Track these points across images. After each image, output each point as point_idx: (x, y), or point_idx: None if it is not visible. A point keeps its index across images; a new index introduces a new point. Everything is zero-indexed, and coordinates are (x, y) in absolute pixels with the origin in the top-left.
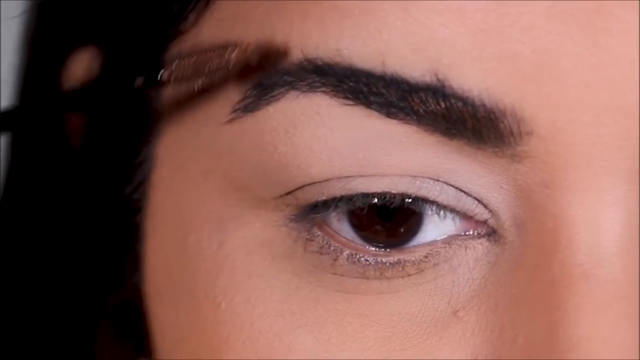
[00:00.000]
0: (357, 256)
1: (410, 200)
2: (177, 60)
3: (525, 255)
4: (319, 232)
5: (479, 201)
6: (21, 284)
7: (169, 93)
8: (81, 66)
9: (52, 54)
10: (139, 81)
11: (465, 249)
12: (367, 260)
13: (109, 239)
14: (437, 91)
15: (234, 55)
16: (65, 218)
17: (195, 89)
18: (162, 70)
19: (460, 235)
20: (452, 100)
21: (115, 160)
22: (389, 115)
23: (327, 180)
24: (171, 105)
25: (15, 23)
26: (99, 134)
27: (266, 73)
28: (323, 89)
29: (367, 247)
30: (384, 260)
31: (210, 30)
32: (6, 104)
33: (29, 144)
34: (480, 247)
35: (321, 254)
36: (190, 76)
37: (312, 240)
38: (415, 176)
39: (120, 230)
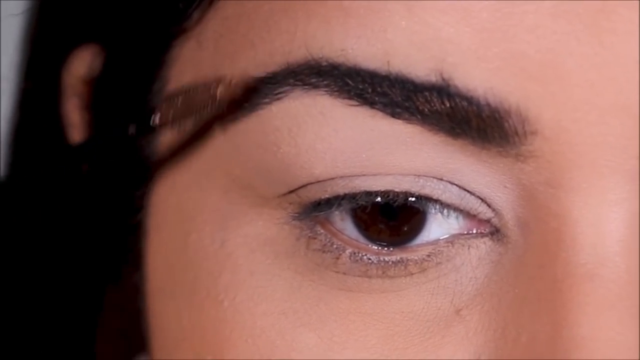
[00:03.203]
0: (360, 254)
1: (413, 198)
2: (164, 102)
3: (529, 255)
4: (322, 230)
5: (482, 200)
6: (22, 281)
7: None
8: (83, 64)
9: (54, 51)
10: (132, 129)
11: (469, 248)
12: (369, 259)
13: (111, 236)
14: (442, 91)
15: (219, 91)
16: (67, 216)
17: (187, 128)
18: (153, 115)
19: (464, 234)
20: (457, 100)
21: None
22: (393, 115)
23: (330, 179)
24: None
25: (17, 20)
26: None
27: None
28: (327, 89)
29: (370, 245)
30: (386, 259)
31: (214, 29)
32: (6, 101)
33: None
34: (483, 246)
35: (324, 252)
36: (180, 116)
37: (315, 239)
38: (418, 175)
39: (121, 228)
